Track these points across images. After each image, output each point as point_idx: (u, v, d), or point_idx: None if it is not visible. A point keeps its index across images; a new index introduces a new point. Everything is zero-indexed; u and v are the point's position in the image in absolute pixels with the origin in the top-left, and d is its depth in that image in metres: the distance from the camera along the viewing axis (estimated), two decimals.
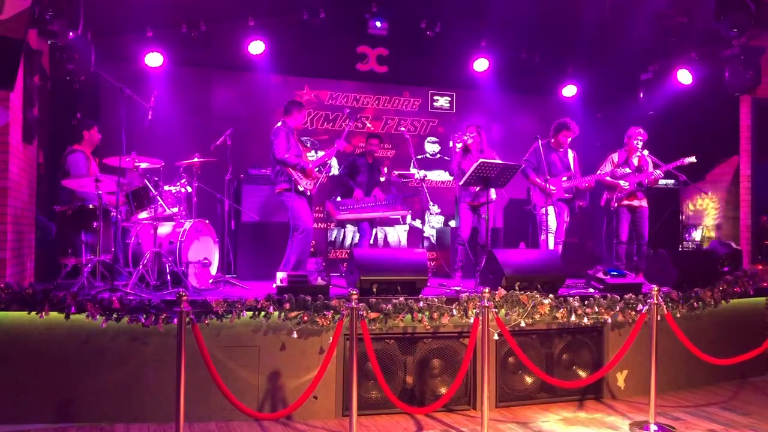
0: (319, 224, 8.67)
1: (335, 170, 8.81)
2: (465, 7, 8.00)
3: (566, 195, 7.00)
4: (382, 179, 7.93)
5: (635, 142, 7.18)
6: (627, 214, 7.21)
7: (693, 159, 6.87)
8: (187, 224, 5.82)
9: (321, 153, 7.05)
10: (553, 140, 7.10)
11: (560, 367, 5.27)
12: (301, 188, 6.30)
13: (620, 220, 7.21)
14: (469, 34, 8.73)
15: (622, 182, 7.13)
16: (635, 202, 7.20)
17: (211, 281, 5.97)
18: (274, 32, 8.08)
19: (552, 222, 6.86)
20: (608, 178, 7.20)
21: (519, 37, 8.72)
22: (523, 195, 8.35)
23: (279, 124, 6.46)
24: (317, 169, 6.59)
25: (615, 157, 7.28)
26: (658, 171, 7.05)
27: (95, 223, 5.35)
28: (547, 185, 6.68)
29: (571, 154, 7.14)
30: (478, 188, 6.56)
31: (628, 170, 7.13)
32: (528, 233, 7.65)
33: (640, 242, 7.21)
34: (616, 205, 7.19)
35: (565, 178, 6.98)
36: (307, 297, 4.65)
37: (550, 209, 6.85)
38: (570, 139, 7.07)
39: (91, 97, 7.50)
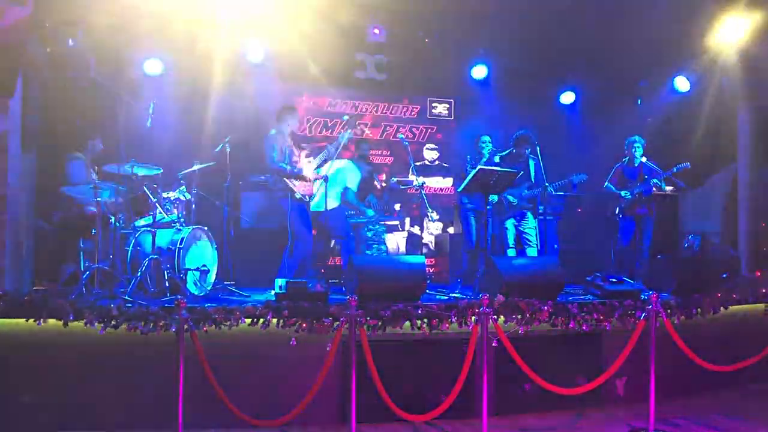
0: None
1: None
2: (463, 14, 8.00)
3: (528, 204, 6.98)
4: (379, 186, 7.92)
5: (633, 150, 7.27)
6: (630, 222, 7.28)
7: (687, 165, 6.96)
8: (186, 231, 5.82)
9: (320, 157, 6.95)
10: (514, 151, 7.05)
11: (559, 374, 5.24)
12: (298, 196, 6.30)
13: (623, 228, 7.30)
14: (468, 41, 8.74)
15: (623, 192, 7.24)
16: (638, 210, 7.25)
17: (209, 288, 5.97)
18: (273, 39, 8.08)
19: (510, 236, 6.96)
20: (608, 185, 7.32)
21: (517, 44, 8.73)
22: None
23: (273, 131, 6.46)
24: (317, 170, 6.58)
25: (618, 167, 7.38)
26: (654, 180, 7.11)
27: (94, 230, 5.35)
28: (505, 197, 6.84)
29: (532, 163, 7.06)
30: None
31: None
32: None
33: (641, 249, 7.23)
34: (620, 214, 7.28)
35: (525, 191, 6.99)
36: (305, 304, 4.64)
37: (509, 223, 6.97)
38: (528, 149, 6.98)
39: (90, 104, 7.49)
